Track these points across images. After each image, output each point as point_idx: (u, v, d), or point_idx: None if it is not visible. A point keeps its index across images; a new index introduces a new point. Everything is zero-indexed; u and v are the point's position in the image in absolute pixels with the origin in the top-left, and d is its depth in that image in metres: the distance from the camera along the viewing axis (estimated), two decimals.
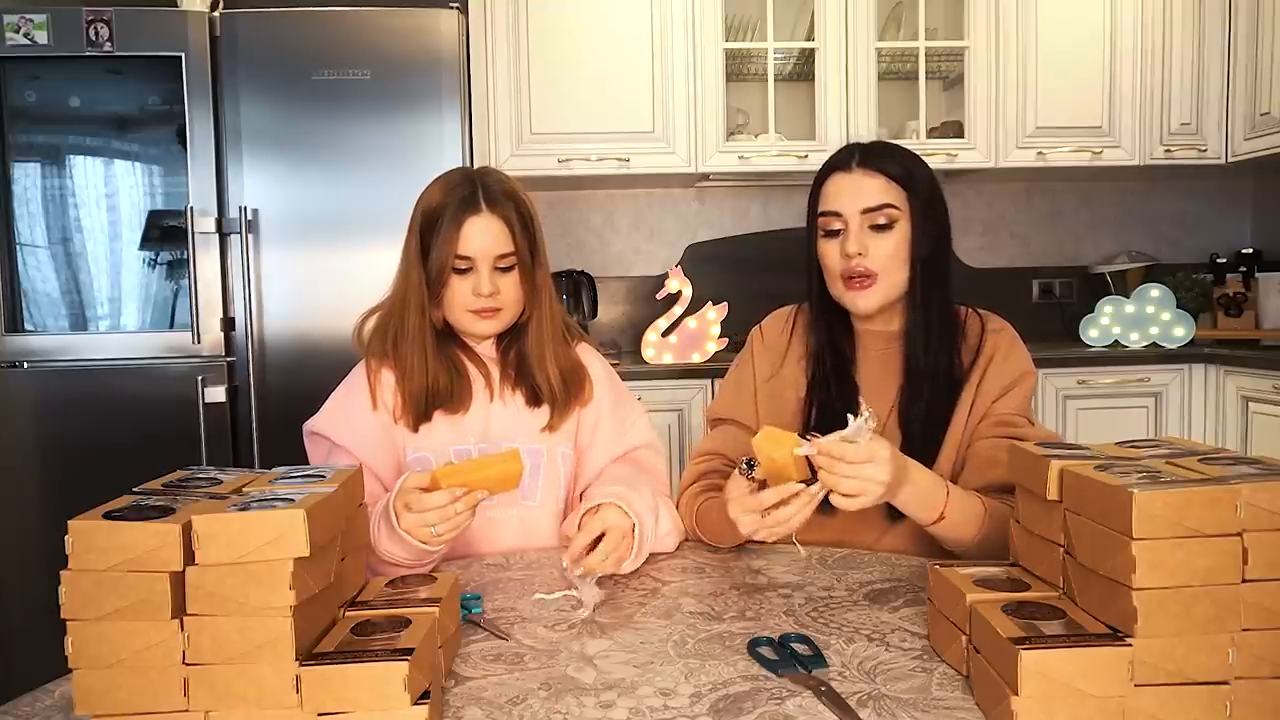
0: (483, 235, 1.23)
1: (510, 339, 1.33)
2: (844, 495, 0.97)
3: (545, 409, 1.31)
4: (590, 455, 1.34)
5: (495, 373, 1.32)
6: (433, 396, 1.26)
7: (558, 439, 1.32)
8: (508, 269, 1.26)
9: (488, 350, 1.34)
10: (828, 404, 1.26)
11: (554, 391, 1.30)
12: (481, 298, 1.24)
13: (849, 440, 0.96)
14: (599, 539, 1.07)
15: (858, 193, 1.23)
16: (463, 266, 1.24)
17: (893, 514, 1.18)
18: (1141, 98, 2.87)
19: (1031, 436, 1.18)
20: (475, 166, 1.37)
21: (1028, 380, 1.25)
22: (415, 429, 1.26)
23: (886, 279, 1.23)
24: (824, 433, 0.98)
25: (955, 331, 1.27)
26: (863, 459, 0.96)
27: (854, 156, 1.26)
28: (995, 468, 1.17)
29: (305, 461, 1.27)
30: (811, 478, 0.98)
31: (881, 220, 1.22)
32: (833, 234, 1.25)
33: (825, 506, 1.01)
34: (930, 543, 1.15)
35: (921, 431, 1.23)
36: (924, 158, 1.30)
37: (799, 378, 1.32)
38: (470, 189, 1.25)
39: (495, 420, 1.30)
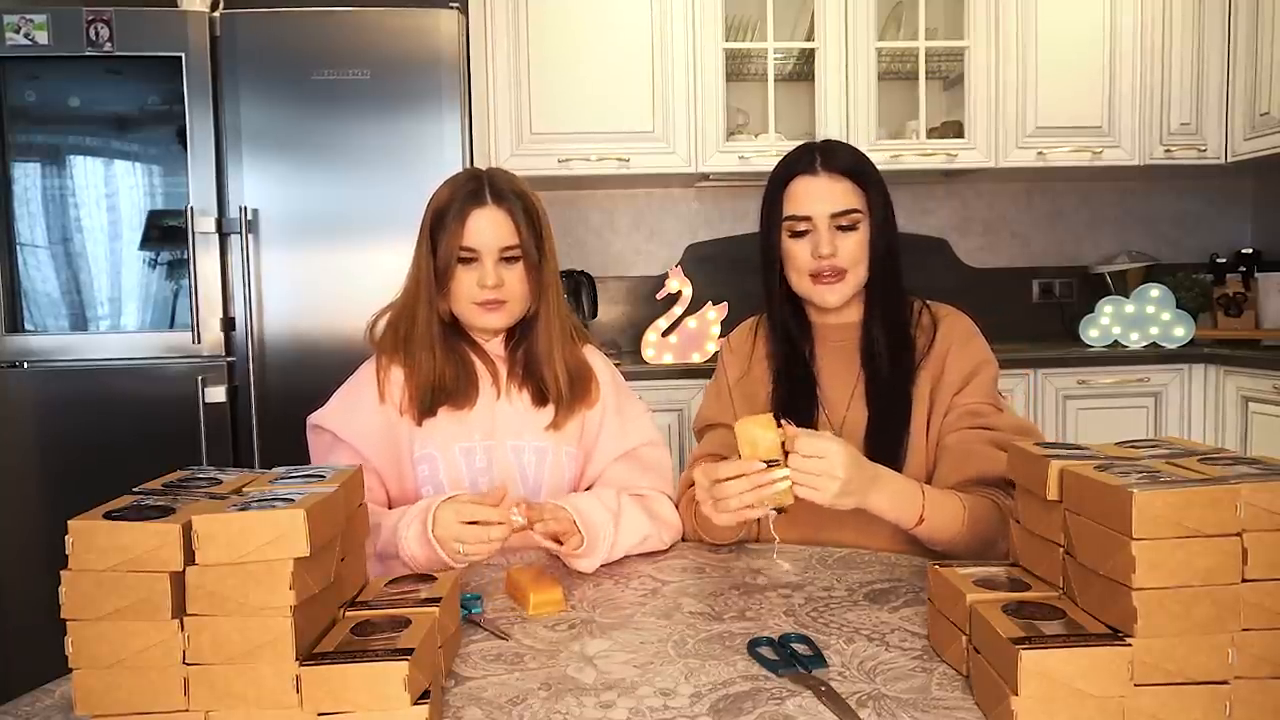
0: (486, 227, 1.25)
1: (519, 336, 1.34)
2: (799, 486, 1.00)
3: (551, 408, 1.31)
4: (594, 457, 1.34)
5: (503, 370, 1.33)
6: (439, 391, 1.27)
7: (563, 439, 1.32)
8: (513, 260, 1.27)
9: (496, 347, 1.34)
10: (791, 395, 1.31)
11: (560, 390, 1.30)
12: (486, 289, 1.25)
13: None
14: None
15: (826, 197, 1.27)
16: (468, 257, 1.26)
17: None
18: (1141, 98, 2.87)
19: (1001, 424, 1.21)
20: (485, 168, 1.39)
21: (988, 369, 1.28)
22: (419, 423, 1.27)
23: (853, 274, 1.29)
24: (795, 421, 1.04)
25: (907, 313, 1.32)
26: (812, 453, 0.99)
27: (815, 159, 1.29)
28: (969, 460, 1.19)
29: (305, 460, 1.27)
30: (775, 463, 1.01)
31: (846, 222, 1.27)
32: (799, 234, 1.29)
33: None
34: None
35: (884, 411, 1.27)
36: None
37: (766, 375, 1.37)
38: (476, 185, 1.27)
39: (500, 417, 1.30)
